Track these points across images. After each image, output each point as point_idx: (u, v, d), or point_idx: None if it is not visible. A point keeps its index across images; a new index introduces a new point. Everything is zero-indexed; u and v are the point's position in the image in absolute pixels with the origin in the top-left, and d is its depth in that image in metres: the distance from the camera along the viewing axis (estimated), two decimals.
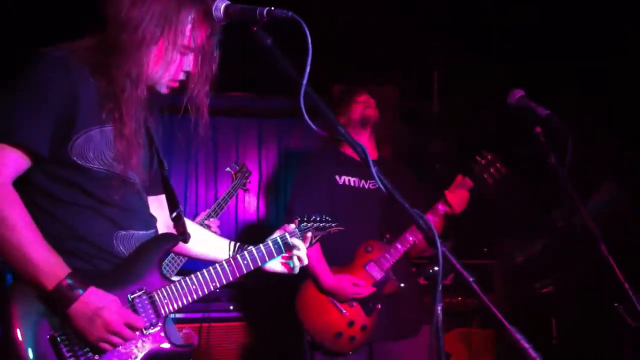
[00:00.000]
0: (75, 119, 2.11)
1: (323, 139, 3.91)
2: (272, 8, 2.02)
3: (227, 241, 2.65)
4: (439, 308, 1.92)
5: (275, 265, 2.63)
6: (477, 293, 1.98)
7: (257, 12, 2.01)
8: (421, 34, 4.78)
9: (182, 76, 2.28)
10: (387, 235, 3.85)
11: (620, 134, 4.48)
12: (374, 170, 1.95)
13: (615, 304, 2.68)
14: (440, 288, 2.01)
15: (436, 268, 1.96)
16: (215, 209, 4.10)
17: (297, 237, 2.58)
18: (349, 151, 3.99)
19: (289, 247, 2.57)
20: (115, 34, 2.15)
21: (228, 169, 4.45)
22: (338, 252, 3.79)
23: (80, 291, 2.04)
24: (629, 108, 4.49)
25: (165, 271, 4.06)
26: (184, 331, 4.33)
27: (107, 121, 2.16)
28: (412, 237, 3.73)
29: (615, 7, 4.27)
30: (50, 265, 2.03)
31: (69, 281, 2.02)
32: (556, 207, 4.21)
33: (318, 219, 2.67)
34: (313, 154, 4.19)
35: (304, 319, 3.75)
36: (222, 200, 4.16)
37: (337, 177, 3.97)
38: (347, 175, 3.97)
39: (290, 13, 1.98)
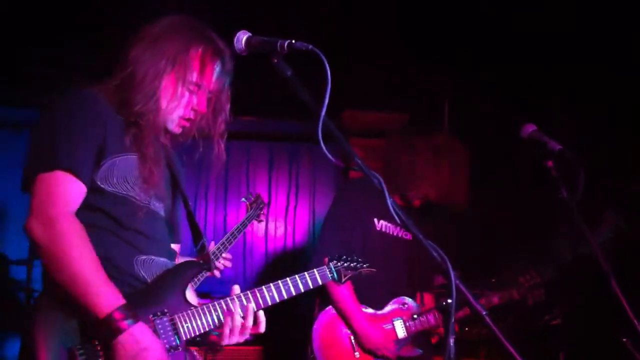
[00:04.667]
0: (105, 148, 2.21)
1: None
2: (293, 41, 2.05)
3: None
4: (452, 340, 1.94)
5: None
6: (489, 326, 2.00)
7: (278, 44, 2.05)
8: (431, 61, 4.81)
9: (192, 115, 2.39)
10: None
11: (627, 165, 4.51)
12: (389, 202, 1.97)
13: (624, 339, 2.69)
14: (453, 320, 2.02)
15: (449, 301, 1.97)
16: (229, 237, 4.04)
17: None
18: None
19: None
20: (131, 71, 2.29)
21: (243, 199, 4.40)
22: (365, 295, 3.74)
23: (131, 323, 2.07)
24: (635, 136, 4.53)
25: None
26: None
27: (130, 149, 2.25)
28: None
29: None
30: (107, 294, 2.07)
31: (122, 312, 2.06)
32: (562, 239, 4.23)
33: (349, 258, 2.69)
34: (353, 187, 4.03)
35: (315, 341, 3.72)
36: (235, 230, 4.07)
37: (376, 221, 3.85)
38: (385, 220, 3.85)
39: (310, 46, 2.01)
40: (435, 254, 2.01)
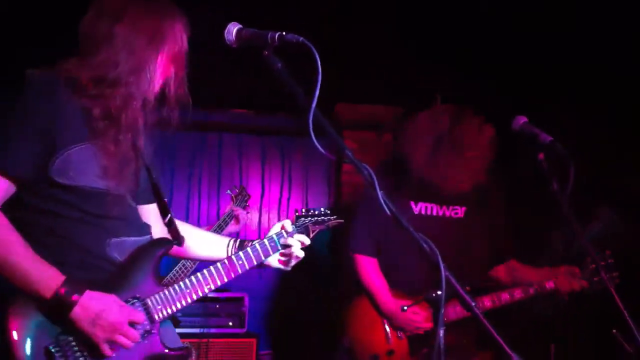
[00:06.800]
0: (56, 140, 2.16)
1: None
2: (284, 33, 2.06)
3: (227, 239, 2.68)
4: (441, 332, 1.96)
5: (272, 260, 2.63)
6: (478, 317, 2.01)
7: (269, 36, 2.06)
8: (428, 58, 4.81)
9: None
10: (467, 288, 3.71)
11: (627, 165, 4.50)
12: (379, 194, 1.99)
13: (614, 330, 2.70)
14: (442, 311, 2.03)
15: (439, 292, 1.98)
16: (215, 230, 4.07)
17: (293, 235, 2.60)
18: (427, 174, 3.73)
19: (285, 246, 2.59)
20: (113, 56, 2.23)
21: (228, 191, 4.43)
22: (407, 279, 3.67)
23: (78, 296, 2.09)
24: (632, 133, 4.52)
25: (175, 278, 4.07)
26: None
27: (89, 139, 2.21)
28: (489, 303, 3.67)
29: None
30: (45, 275, 2.08)
31: (65, 288, 2.08)
32: (556, 232, 4.22)
33: (317, 212, 2.70)
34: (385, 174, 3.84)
35: (349, 326, 3.72)
36: (222, 221, 4.13)
37: (413, 205, 3.75)
38: (424, 201, 3.76)
39: (301, 38, 2.02)
40: (425, 246, 2.04)
